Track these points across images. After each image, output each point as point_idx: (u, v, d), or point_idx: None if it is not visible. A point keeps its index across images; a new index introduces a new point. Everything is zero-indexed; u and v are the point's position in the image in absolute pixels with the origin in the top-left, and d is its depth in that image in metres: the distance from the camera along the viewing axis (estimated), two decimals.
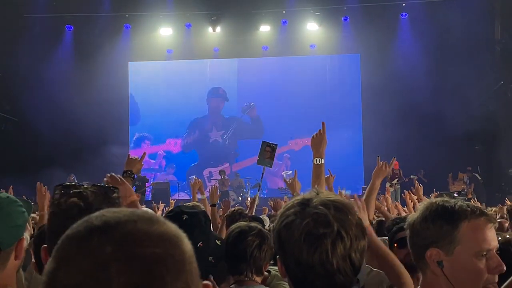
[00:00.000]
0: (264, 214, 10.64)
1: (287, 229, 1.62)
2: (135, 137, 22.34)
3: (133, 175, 3.76)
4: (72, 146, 19.71)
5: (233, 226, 3.33)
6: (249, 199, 19.22)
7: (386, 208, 7.47)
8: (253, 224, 3.37)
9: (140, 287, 0.84)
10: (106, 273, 0.84)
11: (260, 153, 8.87)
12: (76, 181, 16.30)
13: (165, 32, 21.68)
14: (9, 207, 1.88)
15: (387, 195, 8.87)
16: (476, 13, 18.18)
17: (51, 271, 0.89)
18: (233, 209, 6.21)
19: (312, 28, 21.43)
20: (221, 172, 19.77)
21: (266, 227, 4.01)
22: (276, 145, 8.51)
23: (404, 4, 20.61)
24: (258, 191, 9.15)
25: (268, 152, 9.14)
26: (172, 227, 0.94)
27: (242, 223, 3.37)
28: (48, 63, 20.12)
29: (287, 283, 1.77)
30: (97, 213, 0.93)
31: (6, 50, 19.01)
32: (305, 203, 1.65)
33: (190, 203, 5.58)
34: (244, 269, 3.10)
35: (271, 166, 8.01)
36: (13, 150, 19.42)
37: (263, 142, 8.35)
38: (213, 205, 6.96)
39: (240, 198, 19.43)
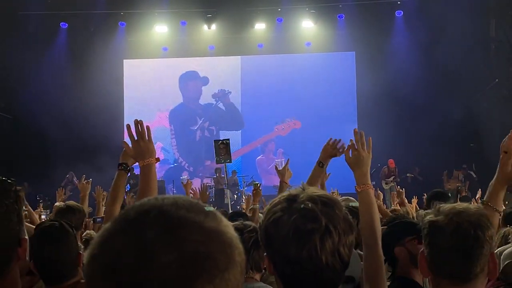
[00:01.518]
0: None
1: (275, 226, 1.61)
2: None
3: (128, 168, 3.73)
4: (66, 144, 19.64)
5: None
6: (244, 197, 19.34)
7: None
8: (248, 222, 3.37)
9: (171, 277, 0.84)
10: (149, 251, 0.85)
11: (216, 153, 8.95)
12: (76, 180, 16.08)
13: (160, 29, 21.65)
14: None
15: (379, 192, 8.95)
16: (471, 11, 18.20)
17: (99, 239, 0.91)
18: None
19: (307, 26, 21.44)
20: (217, 170, 19.73)
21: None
22: (228, 139, 8.63)
23: (399, 2, 20.62)
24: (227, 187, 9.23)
25: (222, 149, 9.23)
26: (230, 231, 0.94)
27: (236, 222, 3.37)
28: (43, 61, 20.08)
29: None
30: (159, 196, 0.96)
31: (1, 48, 18.94)
32: (292, 199, 1.64)
33: None
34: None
35: (230, 161, 8.10)
36: (8, 147, 19.36)
37: (215, 141, 8.45)
38: None
39: (235, 196, 19.42)
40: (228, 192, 19.15)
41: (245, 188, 19.80)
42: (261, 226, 1.69)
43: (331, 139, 3.76)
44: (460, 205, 2.09)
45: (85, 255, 0.93)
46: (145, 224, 0.88)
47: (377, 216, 2.66)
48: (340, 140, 3.59)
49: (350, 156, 2.96)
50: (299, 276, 1.60)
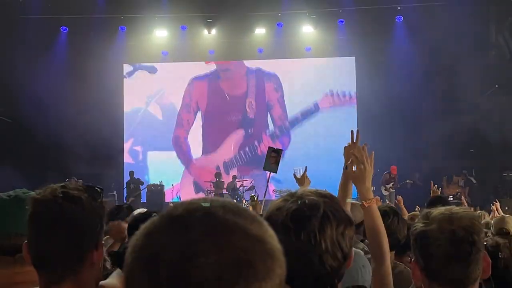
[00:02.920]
0: None
1: (275, 213, 1.65)
2: (129, 142, 22.30)
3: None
4: (66, 148, 19.62)
5: None
6: (244, 201, 19.34)
7: None
8: None
9: (210, 279, 0.84)
10: (190, 250, 0.86)
11: (266, 158, 8.88)
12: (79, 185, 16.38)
13: (160, 34, 21.68)
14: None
15: (377, 197, 8.92)
16: (471, 16, 18.20)
17: (142, 233, 0.92)
18: None
19: (308, 31, 21.46)
20: (217, 175, 19.73)
21: None
22: (281, 150, 8.54)
23: (399, 8, 20.62)
24: (264, 195, 9.12)
25: (273, 157, 9.13)
26: (274, 242, 0.93)
27: None
28: (43, 65, 20.06)
29: None
30: (207, 198, 0.97)
31: (1, 52, 18.94)
32: (291, 194, 1.70)
33: None
34: None
35: (276, 172, 8.01)
36: (7, 151, 19.34)
37: (269, 147, 8.36)
38: None
39: (235, 200, 19.40)
40: (228, 197, 19.17)
41: (244, 192, 19.81)
42: (264, 216, 1.70)
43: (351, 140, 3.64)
44: (448, 209, 2.03)
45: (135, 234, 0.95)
46: (191, 222, 0.89)
47: (383, 228, 2.67)
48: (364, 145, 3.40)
49: (354, 170, 2.93)
50: (299, 263, 1.60)
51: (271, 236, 0.93)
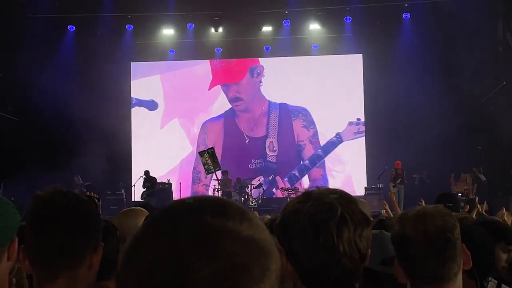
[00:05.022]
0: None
1: (291, 215, 1.64)
2: (136, 142, 22.34)
3: None
4: (73, 147, 19.70)
5: None
6: (251, 199, 19.36)
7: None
8: None
9: (222, 287, 0.83)
10: (182, 264, 0.83)
11: (203, 163, 8.85)
12: (82, 182, 16.19)
13: (167, 32, 21.71)
14: (2, 207, 1.88)
15: (384, 202, 8.90)
16: (479, 13, 18.14)
17: (134, 242, 0.90)
18: None
19: (315, 28, 21.43)
20: (224, 173, 19.73)
21: None
22: (212, 148, 8.58)
23: (406, 5, 20.56)
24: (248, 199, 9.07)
25: (210, 158, 9.17)
26: (264, 236, 0.92)
27: None
28: (50, 63, 20.12)
29: None
30: (195, 197, 0.94)
31: (8, 50, 19.01)
32: (307, 195, 1.68)
33: None
34: None
35: (220, 168, 8.02)
36: (15, 150, 19.43)
37: (199, 152, 8.36)
38: None
39: (242, 198, 19.42)
40: (235, 195, 19.19)
41: (252, 190, 19.84)
42: (278, 220, 1.71)
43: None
44: (422, 209, 2.07)
45: (127, 241, 0.93)
46: (179, 234, 0.86)
47: None
48: None
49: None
50: (317, 266, 1.59)
51: (262, 231, 0.91)
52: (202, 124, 22.28)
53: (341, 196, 1.65)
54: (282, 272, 1.66)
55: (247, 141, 21.93)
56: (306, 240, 1.58)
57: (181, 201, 0.93)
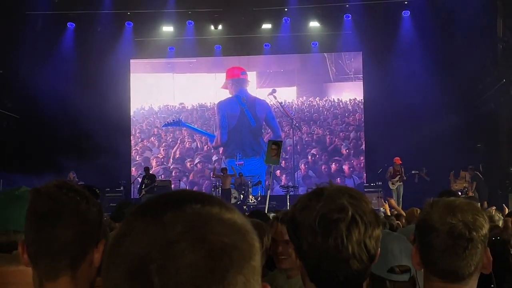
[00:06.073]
0: None
1: (302, 215, 1.63)
2: (136, 140, 22.35)
3: None
4: (73, 143, 19.71)
5: None
6: (251, 196, 19.37)
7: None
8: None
9: (203, 272, 0.85)
10: (173, 251, 0.85)
11: (267, 152, 8.75)
12: (76, 179, 16.16)
13: (166, 29, 21.70)
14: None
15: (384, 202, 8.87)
16: (479, 10, 18.15)
17: (120, 236, 0.91)
18: None
19: (314, 26, 21.43)
20: (223, 170, 19.73)
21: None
22: (281, 141, 8.44)
23: (406, 2, 20.56)
24: (269, 189, 9.01)
25: (274, 150, 9.07)
26: (242, 217, 0.94)
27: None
28: (50, 60, 20.11)
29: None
30: (175, 190, 0.97)
31: (8, 47, 19.00)
32: (319, 192, 1.66)
33: None
34: None
35: (278, 164, 7.90)
36: (14, 147, 19.43)
37: (269, 140, 8.23)
38: None
39: (242, 196, 19.43)
40: (234, 192, 19.20)
41: (251, 188, 19.84)
42: (288, 216, 1.71)
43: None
44: (454, 201, 2.02)
45: (112, 235, 0.93)
46: (165, 223, 0.88)
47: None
48: None
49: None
50: (325, 265, 1.60)
51: (240, 215, 0.94)
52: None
53: (353, 196, 1.63)
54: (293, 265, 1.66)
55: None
56: (316, 240, 1.58)
57: (162, 194, 0.95)
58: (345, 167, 21.57)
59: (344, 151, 21.65)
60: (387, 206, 7.72)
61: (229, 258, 0.86)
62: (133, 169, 21.55)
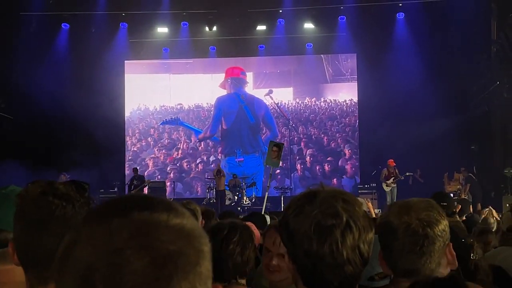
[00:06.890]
0: None
1: (296, 221, 1.63)
2: (131, 139, 22.31)
3: None
4: (67, 145, 19.66)
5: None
6: (245, 198, 19.36)
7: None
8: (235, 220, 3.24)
9: (148, 279, 0.85)
10: (119, 259, 0.85)
11: (267, 153, 8.72)
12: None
13: (161, 30, 21.68)
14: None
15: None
16: (473, 13, 18.21)
17: (70, 243, 0.91)
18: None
19: (309, 28, 21.45)
20: (218, 172, 19.73)
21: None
22: (283, 144, 8.37)
23: (400, 4, 20.62)
24: (267, 190, 8.95)
25: (275, 152, 9.03)
26: (192, 222, 0.94)
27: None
28: (44, 61, 20.06)
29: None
30: (123, 195, 0.96)
31: (2, 48, 18.95)
32: (312, 195, 1.66)
33: (185, 201, 5.62)
34: (227, 276, 2.82)
35: (278, 166, 7.86)
36: (8, 148, 19.35)
37: (271, 141, 8.18)
38: None
39: (236, 197, 19.42)
40: (229, 194, 19.18)
41: (245, 189, 19.82)
42: (281, 221, 1.71)
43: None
44: (409, 201, 2.06)
45: (62, 242, 0.94)
46: (112, 230, 0.88)
47: None
48: None
49: None
50: (319, 270, 1.61)
51: (189, 218, 0.94)
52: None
53: (346, 200, 1.63)
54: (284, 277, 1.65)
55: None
56: (311, 247, 1.58)
57: (111, 200, 0.95)
58: (343, 168, 21.56)
59: (343, 152, 21.63)
60: (370, 204, 7.68)
61: (174, 264, 0.86)
62: (127, 170, 21.51)
